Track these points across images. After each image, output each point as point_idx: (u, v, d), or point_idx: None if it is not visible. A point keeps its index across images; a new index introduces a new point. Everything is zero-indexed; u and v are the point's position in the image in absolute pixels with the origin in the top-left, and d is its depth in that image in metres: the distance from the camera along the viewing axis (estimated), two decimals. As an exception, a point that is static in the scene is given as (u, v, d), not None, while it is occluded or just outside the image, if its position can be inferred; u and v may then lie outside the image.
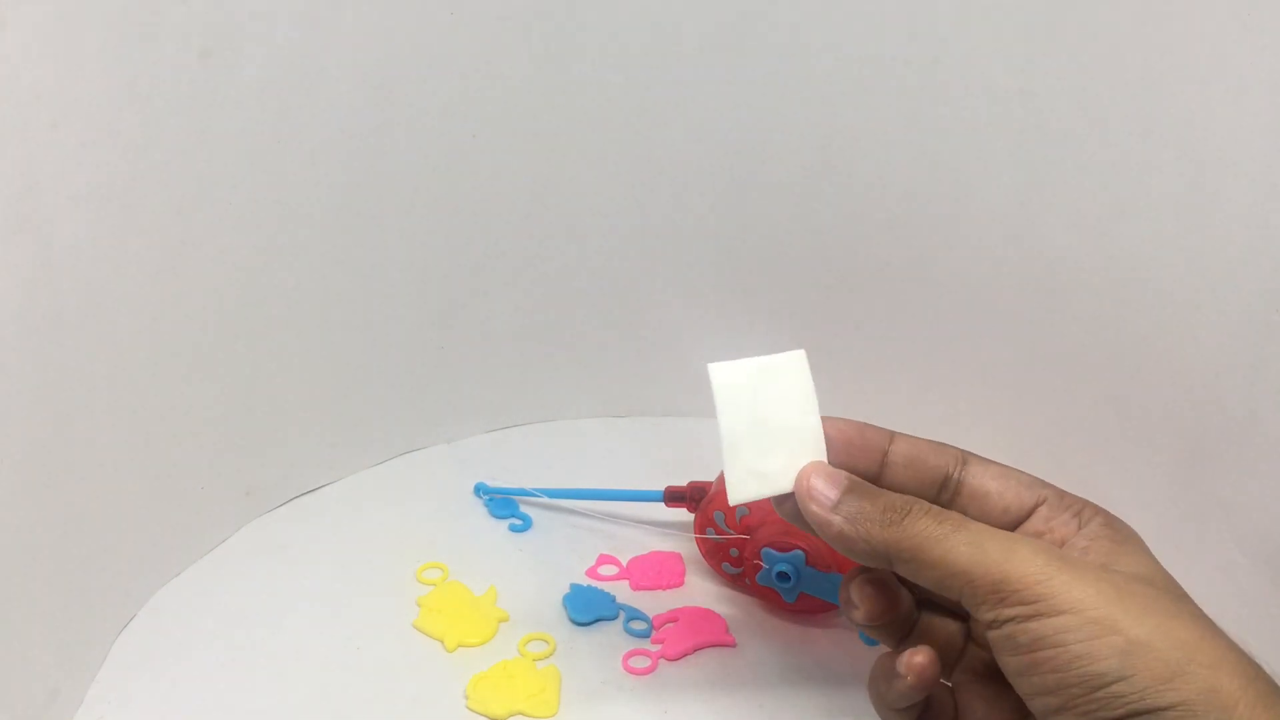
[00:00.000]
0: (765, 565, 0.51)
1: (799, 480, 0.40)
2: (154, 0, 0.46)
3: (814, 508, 0.39)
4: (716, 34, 0.57)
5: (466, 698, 0.48)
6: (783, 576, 0.50)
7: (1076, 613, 0.34)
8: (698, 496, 0.54)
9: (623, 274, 0.63)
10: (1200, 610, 0.36)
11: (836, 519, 0.38)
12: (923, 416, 0.59)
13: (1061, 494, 0.40)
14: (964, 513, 0.40)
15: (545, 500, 0.59)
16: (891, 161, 0.58)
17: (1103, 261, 0.53)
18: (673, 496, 0.55)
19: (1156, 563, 0.38)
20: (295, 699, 0.48)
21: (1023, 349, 0.58)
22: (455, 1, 0.54)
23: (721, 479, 0.53)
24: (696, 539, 0.54)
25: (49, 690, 0.46)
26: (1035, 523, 0.40)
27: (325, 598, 0.53)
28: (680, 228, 0.62)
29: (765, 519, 0.51)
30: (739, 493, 0.40)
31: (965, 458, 0.41)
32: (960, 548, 0.36)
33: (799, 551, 0.50)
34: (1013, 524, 0.40)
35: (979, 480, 0.41)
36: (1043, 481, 0.40)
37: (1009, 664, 0.36)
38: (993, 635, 0.36)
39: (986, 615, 0.36)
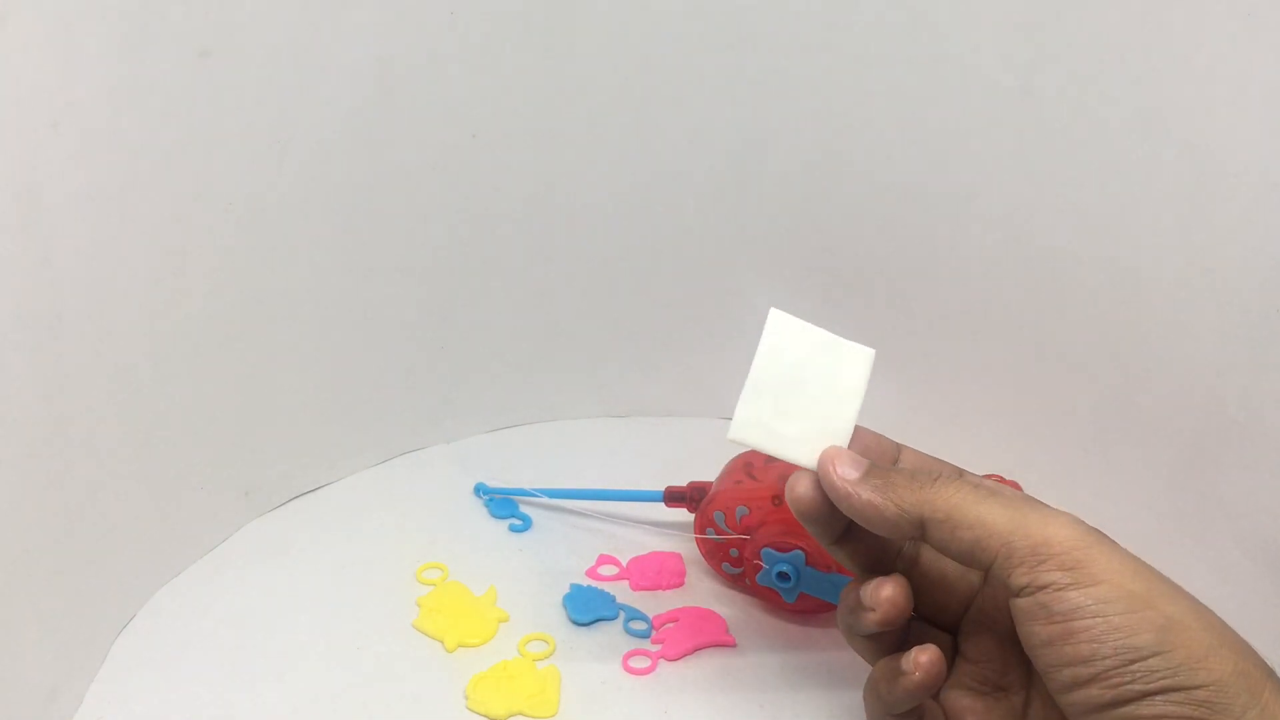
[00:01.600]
0: (765, 565, 0.51)
1: (822, 457, 0.40)
2: (154, 0, 0.46)
3: (837, 481, 0.39)
4: (716, 34, 0.57)
5: (466, 698, 0.48)
6: (783, 576, 0.50)
7: (1115, 584, 0.34)
8: (698, 497, 0.54)
9: (623, 274, 0.63)
10: None
11: (864, 488, 0.38)
12: (923, 416, 0.59)
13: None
14: None
15: (545, 500, 0.59)
16: (891, 161, 0.58)
17: (1103, 261, 0.53)
18: (673, 497, 0.55)
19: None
20: (295, 699, 0.48)
21: (1023, 349, 0.58)
22: (455, 1, 0.54)
23: (722, 478, 0.53)
24: (696, 539, 0.54)
25: (49, 690, 0.46)
26: None
27: (325, 598, 0.53)
28: (680, 227, 0.62)
29: (765, 519, 0.51)
30: (741, 433, 0.41)
31: (960, 472, 0.42)
32: (998, 510, 0.36)
33: (799, 551, 0.50)
34: None
35: None
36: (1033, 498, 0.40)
37: (1038, 633, 0.35)
38: (1023, 603, 0.35)
39: (1021, 580, 0.35)
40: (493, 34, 0.55)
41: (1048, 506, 0.37)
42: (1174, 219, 0.50)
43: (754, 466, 0.53)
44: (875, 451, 0.41)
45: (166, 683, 0.48)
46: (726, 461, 0.54)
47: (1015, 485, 0.50)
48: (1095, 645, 0.34)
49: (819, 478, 0.40)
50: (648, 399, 0.66)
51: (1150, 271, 0.52)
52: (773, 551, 0.50)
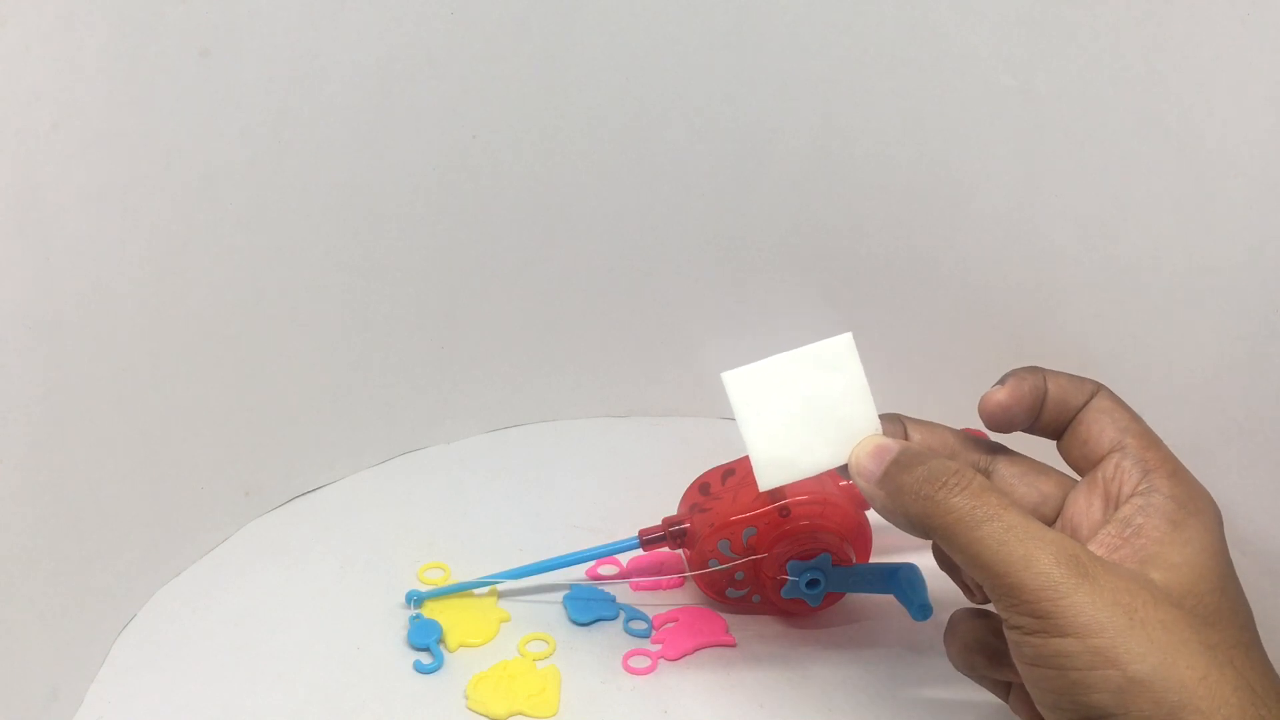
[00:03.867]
0: (793, 577, 0.50)
1: (851, 463, 0.41)
2: (154, 0, 0.46)
3: (862, 482, 0.40)
4: (716, 34, 0.57)
5: (466, 698, 0.48)
6: (812, 584, 0.50)
7: (1080, 638, 0.34)
8: (678, 534, 0.52)
9: (622, 274, 0.63)
10: (1227, 631, 0.35)
11: (880, 493, 0.39)
12: (922, 415, 0.59)
13: (1145, 444, 0.39)
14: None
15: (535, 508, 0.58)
16: (891, 161, 0.58)
17: (1103, 261, 0.53)
18: (650, 540, 0.52)
19: (1211, 555, 0.37)
20: (295, 699, 0.48)
21: (1023, 349, 0.58)
22: (455, 1, 0.54)
23: (688, 506, 0.52)
24: (692, 575, 0.52)
25: (49, 690, 0.46)
26: (1105, 469, 0.39)
27: (325, 598, 0.53)
28: (680, 227, 0.62)
29: (778, 534, 0.50)
30: (769, 482, 0.41)
31: (991, 455, 0.42)
32: (988, 539, 0.36)
33: (825, 554, 0.50)
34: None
35: (1004, 480, 0.42)
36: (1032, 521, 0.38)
37: (1016, 661, 0.36)
38: (1005, 630, 0.36)
39: (1000, 611, 0.36)
40: (493, 34, 0.55)
41: (1044, 533, 0.36)
42: (1174, 219, 0.50)
43: (711, 486, 0.52)
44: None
45: (166, 683, 0.48)
46: (724, 464, 0.54)
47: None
48: (1056, 695, 0.34)
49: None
50: (648, 399, 0.66)
51: (1150, 271, 0.52)
52: (798, 562, 0.50)
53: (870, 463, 0.40)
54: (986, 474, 0.42)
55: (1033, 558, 0.35)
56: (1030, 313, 0.57)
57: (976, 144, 0.56)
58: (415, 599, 0.52)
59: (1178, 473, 0.39)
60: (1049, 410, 0.41)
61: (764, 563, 0.50)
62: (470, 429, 0.64)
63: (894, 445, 0.40)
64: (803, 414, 0.41)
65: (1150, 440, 0.40)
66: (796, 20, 0.57)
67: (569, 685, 0.49)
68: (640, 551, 0.52)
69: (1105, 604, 0.34)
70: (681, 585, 0.55)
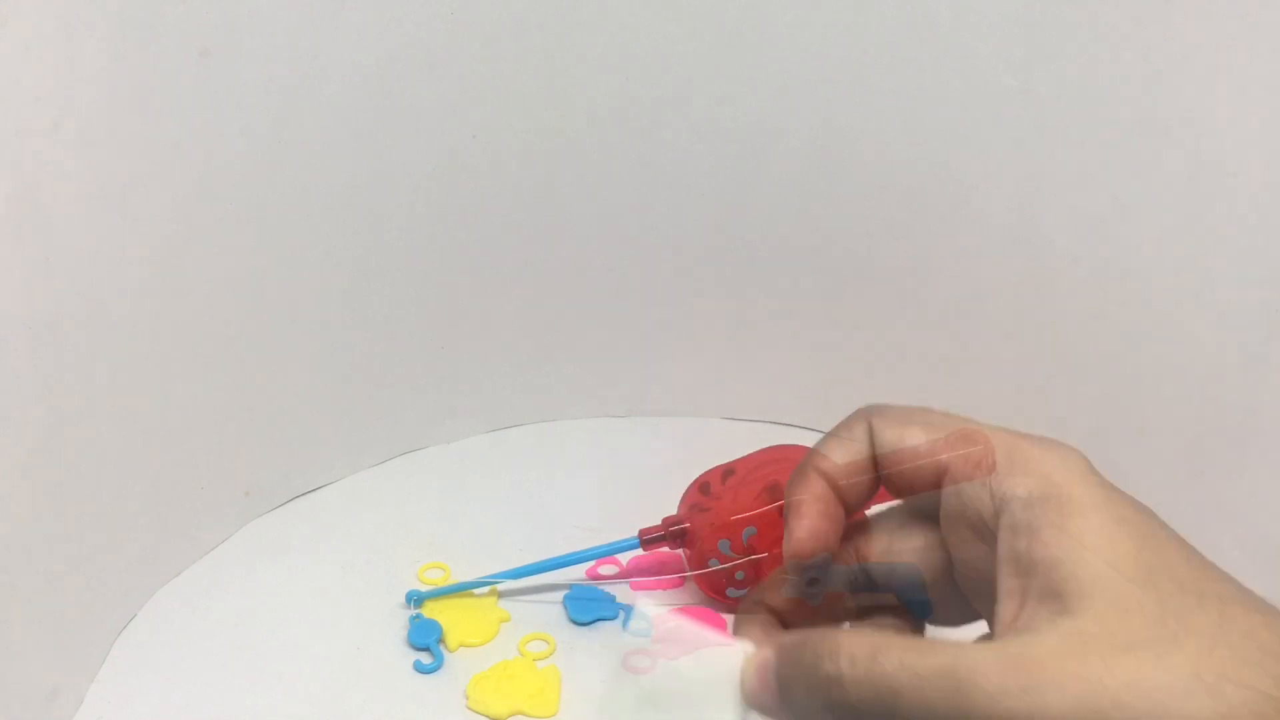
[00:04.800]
0: (794, 577, 0.50)
1: (744, 693, 0.34)
2: (154, 0, 0.46)
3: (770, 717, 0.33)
4: (716, 35, 0.57)
5: (466, 698, 0.48)
6: (813, 583, 0.50)
7: None
8: (678, 534, 0.52)
9: (622, 274, 0.63)
10: (1159, 636, 0.29)
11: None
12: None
13: (956, 442, 0.33)
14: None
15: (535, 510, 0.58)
16: (891, 162, 0.58)
17: (1103, 261, 0.53)
18: (650, 540, 0.52)
19: (1110, 539, 0.30)
20: (295, 699, 0.48)
21: (1023, 349, 0.58)
22: (455, 1, 0.54)
23: (687, 506, 0.52)
24: (693, 575, 0.52)
25: (49, 690, 0.46)
26: (947, 503, 0.34)
27: (325, 597, 0.53)
28: (680, 228, 0.62)
29: (779, 534, 0.50)
30: None
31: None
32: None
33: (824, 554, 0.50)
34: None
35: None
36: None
37: None
38: None
39: None
40: (493, 34, 0.55)
41: (932, 678, 0.29)
42: (1174, 219, 0.50)
43: (711, 486, 0.52)
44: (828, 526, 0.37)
45: (166, 683, 0.48)
46: (724, 464, 0.54)
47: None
48: None
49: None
50: (648, 399, 0.66)
51: (1150, 272, 0.52)
52: (799, 562, 0.50)
53: (761, 691, 0.33)
54: (867, 539, 0.38)
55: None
56: (1030, 312, 0.57)
57: (976, 144, 0.56)
58: (415, 599, 0.52)
59: (1012, 454, 0.32)
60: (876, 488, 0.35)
61: (764, 563, 0.50)
62: (470, 429, 0.64)
63: (768, 657, 0.33)
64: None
65: (962, 437, 0.33)
66: (796, 20, 0.57)
67: (569, 685, 0.49)
68: (640, 551, 0.53)
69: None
70: (681, 585, 0.55)
